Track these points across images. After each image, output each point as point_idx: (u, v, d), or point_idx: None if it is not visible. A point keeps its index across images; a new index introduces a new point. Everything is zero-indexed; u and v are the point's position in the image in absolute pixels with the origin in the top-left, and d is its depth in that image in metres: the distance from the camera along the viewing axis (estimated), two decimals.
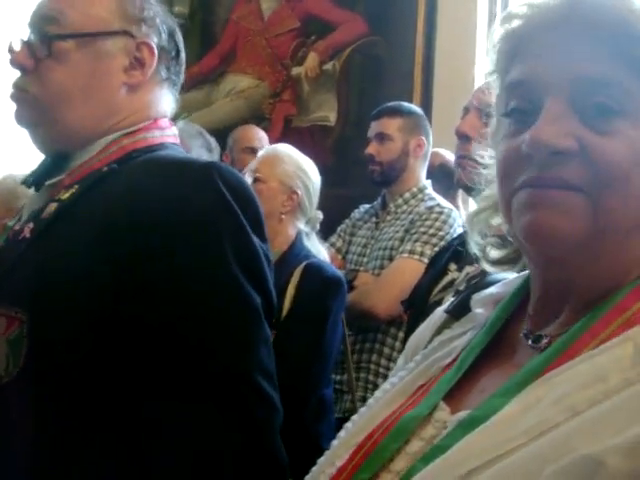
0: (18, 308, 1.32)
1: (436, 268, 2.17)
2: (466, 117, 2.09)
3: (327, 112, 5.00)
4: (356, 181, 4.25)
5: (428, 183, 3.39)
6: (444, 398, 0.94)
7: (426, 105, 4.53)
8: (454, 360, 1.00)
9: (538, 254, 0.91)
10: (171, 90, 1.57)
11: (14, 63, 1.47)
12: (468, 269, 1.96)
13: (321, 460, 1.01)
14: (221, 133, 4.38)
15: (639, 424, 0.72)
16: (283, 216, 2.82)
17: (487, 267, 1.06)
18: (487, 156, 1.04)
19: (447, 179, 3.11)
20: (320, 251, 2.88)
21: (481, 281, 1.14)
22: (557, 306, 0.93)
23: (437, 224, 3.08)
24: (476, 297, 1.07)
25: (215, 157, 3.80)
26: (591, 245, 0.86)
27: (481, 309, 1.05)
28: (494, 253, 1.05)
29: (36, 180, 1.52)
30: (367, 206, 3.53)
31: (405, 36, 4.77)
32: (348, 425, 1.03)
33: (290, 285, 2.60)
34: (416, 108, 3.66)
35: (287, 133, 4.96)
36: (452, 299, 1.16)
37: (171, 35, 1.55)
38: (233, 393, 1.31)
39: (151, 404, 1.29)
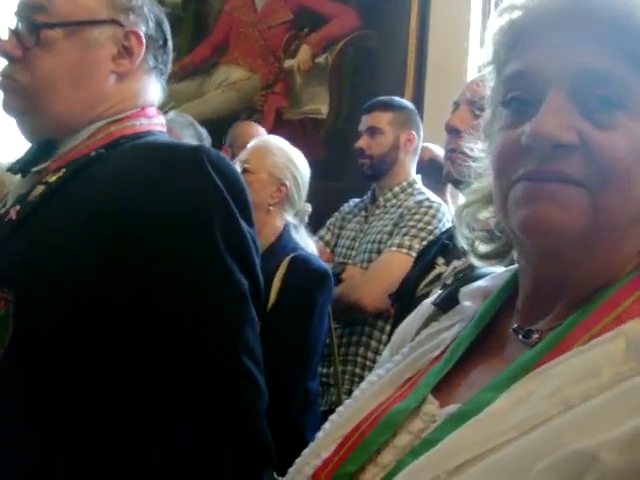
0: (5, 288, 1.31)
1: (424, 262, 2.17)
2: (456, 111, 2.08)
3: (319, 105, 4.99)
4: (347, 174, 4.25)
5: (418, 177, 3.39)
6: (432, 391, 0.93)
7: (418, 99, 4.52)
8: (442, 353, 0.99)
9: (534, 248, 0.90)
10: (158, 79, 1.58)
11: (2, 52, 1.47)
12: (455, 263, 1.96)
13: (305, 452, 1.00)
14: (213, 124, 4.36)
15: (632, 419, 0.72)
16: (271, 207, 2.82)
17: (475, 261, 1.05)
18: (477, 149, 1.04)
19: (436, 174, 3.11)
20: (308, 244, 2.88)
21: (469, 274, 1.13)
22: (549, 302, 0.92)
23: (426, 218, 3.08)
24: (464, 290, 1.06)
25: None
26: (588, 241, 0.86)
27: (469, 302, 1.04)
28: (482, 247, 1.04)
29: (22, 167, 1.52)
30: (357, 200, 3.53)
31: (398, 30, 4.76)
32: (333, 417, 1.02)
33: (276, 277, 2.59)
34: (407, 103, 3.65)
35: (278, 125, 4.95)
36: (440, 292, 1.15)
37: (159, 24, 1.56)
38: (219, 375, 1.32)
39: (138, 388, 1.29)
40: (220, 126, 4.58)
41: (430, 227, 3.06)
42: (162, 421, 1.29)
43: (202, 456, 1.28)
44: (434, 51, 4.64)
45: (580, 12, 0.87)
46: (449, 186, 3.41)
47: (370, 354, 3.05)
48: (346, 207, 3.54)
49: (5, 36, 1.48)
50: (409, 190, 3.30)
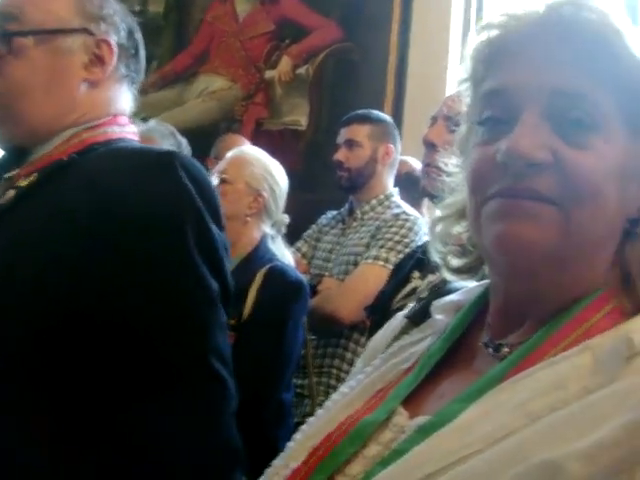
0: None
1: (399, 276, 2.18)
2: (434, 126, 2.10)
3: (299, 116, 5.01)
4: (326, 186, 4.26)
5: (395, 191, 3.41)
6: (402, 403, 0.94)
7: (398, 112, 4.56)
8: (413, 365, 1.00)
9: (506, 264, 0.90)
10: (130, 88, 1.59)
11: None
12: (431, 277, 1.97)
13: (275, 462, 1.01)
14: (192, 133, 4.36)
15: (597, 431, 0.73)
16: (248, 218, 2.82)
17: (447, 275, 1.06)
18: (451, 164, 1.05)
19: (413, 187, 3.13)
20: (285, 255, 2.88)
21: (442, 288, 1.14)
22: (519, 316, 0.93)
23: (402, 231, 3.10)
24: (436, 303, 1.07)
25: None
26: (559, 258, 0.87)
27: (441, 315, 1.05)
28: (455, 261, 1.04)
29: None
30: (334, 212, 3.54)
31: (379, 43, 4.79)
32: (304, 427, 1.03)
33: (252, 288, 2.59)
34: (385, 116, 3.67)
35: (258, 135, 4.96)
36: (413, 305, 1.16)
37: (130, 33, 1.57)
38: (188, 377, 1.33)
39: (107, 390, 1.29)
40: (199, 135, 4.58)
41: (407, 240, 3.07)
42: (130, 423, 1.29)
43: (170, 458, 1.29)
44: (414, 65, 4.67)
45: (557, 33, 0.88)
46: (425, 200, 3.43)
47: (345, 366, 3.05)
48: (323, 219, 3.55)
49: None
50: (386, 203, 3.32)
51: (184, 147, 3.81)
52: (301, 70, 5.06)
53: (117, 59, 1.53)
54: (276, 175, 2.93)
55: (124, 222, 1.32)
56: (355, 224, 3.33)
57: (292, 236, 3.22)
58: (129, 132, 1.56)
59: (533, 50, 0.89)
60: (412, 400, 0.94)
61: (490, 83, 0.92)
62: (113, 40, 1.52)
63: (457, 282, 1.10)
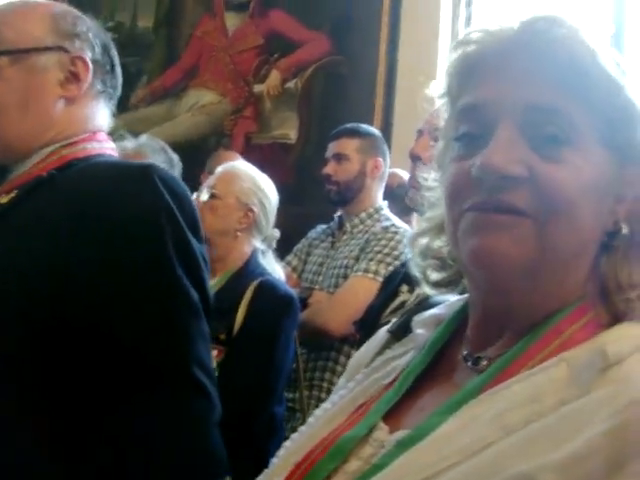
0: None
1: (388, 290, 2.18)
2: (419, 139, 2.12)
3: (288, 130, 5.03)
4: (315, 200, 4.26)
5: (384, 204, 3.42)
6: (383, 418, 0.95)
7: (387, 126, 4.57)
8: (394, 380, 1.01)
9: (482, 278, 0.91)
10: (107, 104, 1.60)
11: None
12: (419, 291, 1.97)
13: (259, 478, 1.02)
14: (182, 147, 4.37)
15: (571, 442, 0.74)
16: (239, 233, 2.83)
17: (427, 289, 1.07)
18: (431, 179, 1.06)
19: (404, 200, 3.13)
20: (275, 269, 2.89)
21: (424, 302, 1.15)
22: (497, 329, 0.94)
23: (392, 244, 3.11)
24: (417, 318, 1.08)
25: (176, 174, 3.79)
26: (534, 271, 0.88)
27: (422, 330, 1.05)
28: (434, 275, 1.05)
29: None
30: (324, 226, 3.55)
31: (368, 57, 4.81)
32: (287, 444, 1.03)
33: (243, 302, 2.60)
34: (374, 130, 3.69)
35: (247, 150, 4.97)
36: (395, 319, 1.17)
37: (105, 49, 1.59)
38: (171, 386, 1.34)
39: (89, 398, 1.30)
40: (189, 150, 4.60)
41: (396, 252, 3.08)
42: (113, 432, 1.30)
43: (153, 468, 1.30)
44: (403, 78, 4.69)
45: (532, 50, 0.89)
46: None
47: (336, 379, 3.04)
48: (313, 233, 3.56)
49: None
50: (375, 216, 3.33)
51: (175, 163, 3.82)
52: (290, 84, 5.08)
53: (93, 75, 1.54)
54: (266, 190, 2.93)
55: (104, 233, 1.34)
56: (345, 237, 3.34)
57: (282, 249, 3.23)
58: (108, 148, 1.57)
59: (508, 66, 0.90)
60: (393, 414, 0.95)
61: (466, 99, 0.94)
62: (88, 56, 1.54)
63: (439, 296, 1.11)
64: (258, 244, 2.89)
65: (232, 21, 5.40)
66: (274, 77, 5.13)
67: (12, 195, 1.44)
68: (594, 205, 0.88)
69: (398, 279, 2.17)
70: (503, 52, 0.91)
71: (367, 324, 2.21)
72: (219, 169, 3.07)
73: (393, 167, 3.62)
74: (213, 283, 2.74)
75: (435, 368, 0.99)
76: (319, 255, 3.41)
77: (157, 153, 3.71)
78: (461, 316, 1.02)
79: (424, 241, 1.05)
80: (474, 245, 0.87)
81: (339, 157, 3.42)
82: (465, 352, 0.96)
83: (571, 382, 0.81)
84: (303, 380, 3.05)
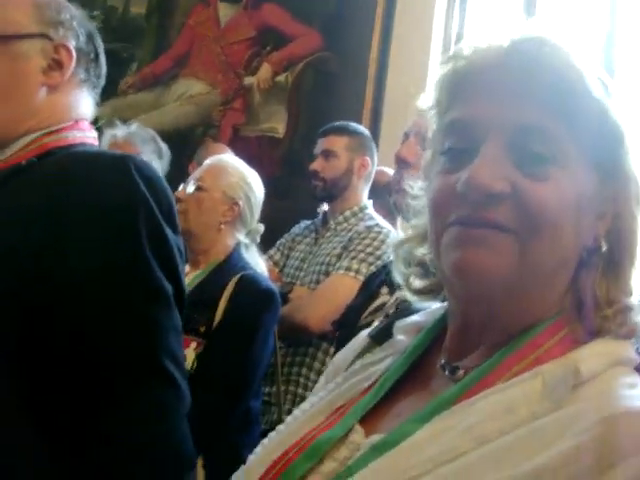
0: None
1: (368, 291, 2.19)
2: (406, 142, 2.11)
3: (276, 123, 5.02)
4: (301, 194, 4.27)
5: (369, 203, 3.43)
6: (360, 421, 0.96)
7: (375, 124, 4.57)
8: (373, 384, 1.02)
9: (463, 290, 0.93)
10: (91, 93, 1.60)
11: None
12: (398, 294, 1.99)
13: (236, 474, 1.03)
14: (169, 136, 4.36)
15: (542, 454, 0.76)
16: (222, 226, 2.83)
17: (409, 296, 1.08)
18: (417, 187, 1.07)
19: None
20: (258, 263, 2.89)
21: (405, 308, 1.16)
22: (475, 340, 0.95)
23: (375, 243, 3.12)
24: (398, 324, 1.09)
25: (165, 164, 3.80)
26: (515, 285, 0.89)
27: (402, 336, 1.07)
28: (417, 282, 1.07)
29: None
30: (307, 222, 3.56)
31: (359, 54, 4.81)
32: (265, 441, 1.05)
33: (224, 296, 2.60)
34: (363, 129, 3.69)
35: (235, 141, 4.96)
36: (377, 323, 1.18)
37: (89, 38, 1.59)
38: (140, 377, 1.34)
39: (58, 389, 1.30)
40: (176, 139, 4.59)
41: (378, 252, 3.09)
42: (83, 423, 1.30)
43: (120, 459, 1.30)
44: (393, 77, 4.69)
45: (519, 69, 0.91)
46: None
47: (313, 375, 3.06)
48: (296, 229, 3.57)
49: None
50: (360, 215, 3.34)
51: (164, 152, 3.82)
52: (280, 78, 5.07)
53: (76, 63, 1.54)
54: (252, 184, 2.93)
55: (78, 222, 1.34)
56: (328, 234, 3.35)
57: (267, 243, 3.23)
58: (90, 137, 1.57)
59: (497, 86, 0.92)
60: (370, 418, 0.97)
61: (453, 114, 0.95)
62: (72, 45, 1.54)
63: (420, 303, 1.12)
64: (242, 238, 2.89)
65: (225, 12, 5.39)
66: (265, 70, 5.12)
67: None
68: (576, 222, 0.90)
69: (379, 280, 2.18)
70: (492, 71, 0.93)
71: (346, 324, 2.22)
72: (207, 162, 3.07)
73: (381, 165, 3.63)
74: (196, 275, 2.75)
75: (414, 374, 1.01)
76: (302, 251, 3.42)
77: (147, 142, 3.71)
78: (441, 324, 1.04)
79: (408, 248, 1.07)
80: (456, 258, 0.89)
81: (327, 154, 3.42)
82: (443, 361, 0.98)
83: (545, 396, 0.83)
84: (280, 375, 3.06)
